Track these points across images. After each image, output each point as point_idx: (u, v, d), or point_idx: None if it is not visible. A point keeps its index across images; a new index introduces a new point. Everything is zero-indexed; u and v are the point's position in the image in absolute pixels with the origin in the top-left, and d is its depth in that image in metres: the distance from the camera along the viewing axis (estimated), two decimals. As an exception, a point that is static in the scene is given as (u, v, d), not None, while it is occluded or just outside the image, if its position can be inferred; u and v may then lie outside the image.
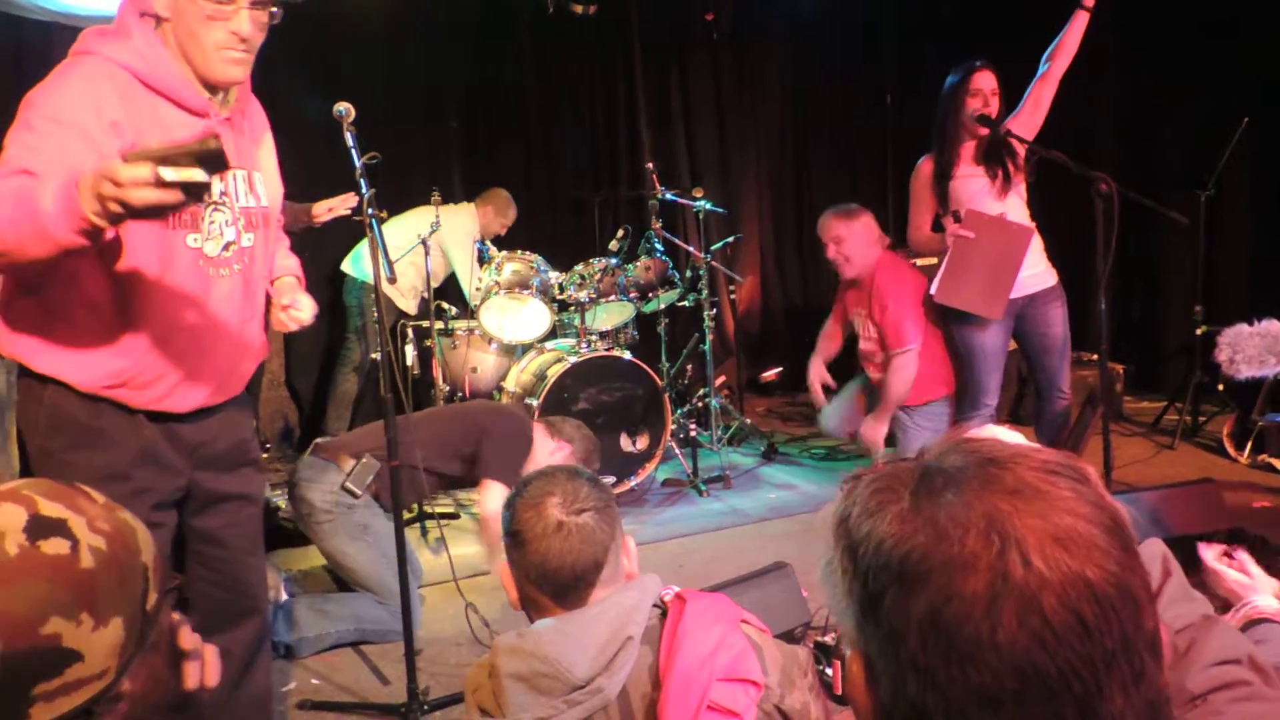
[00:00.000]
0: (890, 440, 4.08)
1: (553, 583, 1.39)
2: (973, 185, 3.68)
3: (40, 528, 0.88)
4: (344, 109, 2.65)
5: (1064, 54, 3.60)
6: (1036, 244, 3.71)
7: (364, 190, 2.62)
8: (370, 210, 2.58)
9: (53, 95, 1.72)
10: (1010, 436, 0.98)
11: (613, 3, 5.71)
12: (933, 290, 3.74)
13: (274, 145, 2.14)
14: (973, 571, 0.62)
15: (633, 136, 6.07)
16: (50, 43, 4.05)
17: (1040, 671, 0.61)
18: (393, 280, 2.62)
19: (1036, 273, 3.72)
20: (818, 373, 4.35)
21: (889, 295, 3.89)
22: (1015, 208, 3.69)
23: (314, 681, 2.90)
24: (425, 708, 2.59)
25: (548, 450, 3.49)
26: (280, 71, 5.01)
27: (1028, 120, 3.67)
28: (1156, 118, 5.57)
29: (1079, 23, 3.56)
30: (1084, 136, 4.11)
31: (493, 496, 3.18)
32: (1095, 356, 4.00)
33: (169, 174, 1.39)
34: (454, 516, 4.25)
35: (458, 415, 3.46)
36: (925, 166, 3.84)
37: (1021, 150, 3.65)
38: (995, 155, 3.64)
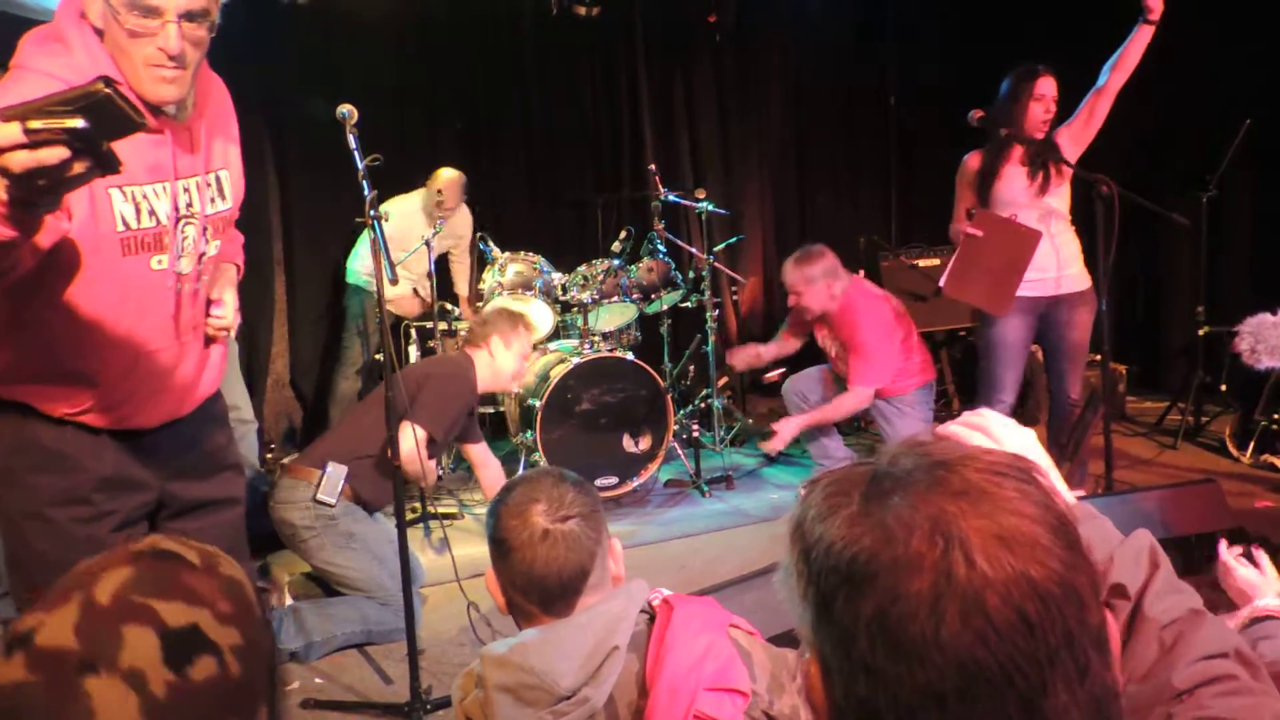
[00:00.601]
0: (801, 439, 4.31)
1: (539, 591, 1.37)
2: (1015, 185, 3.71)
3: (178, 649, 0.75)
4: (346, 111, 2.66)
5: (1124, 68, 3.59)
6: (1073, 247, 3.77)
7: (366, 192, 2.64)
8: (372, 212, 2.60)
9: None
10: (1006, 430, 0.98)
11: (616, 4, 5.72)
12: (941, 282, 3.79)
13: (237, 129, 2.04)
14: (917, 572, 0.63)
15: (635, 137, 6.08)
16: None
17: (984, 669, 0.62)
18: (394, 281, 2.63)
19: (1069, 274, 3.75)
20: (755, 354, 4.51)
21: (859, 336, 4.03)
22: (1052, 211, 3.69)
23: (318, 681, 2.92)
24: (428, 707, 2.61)
25: (490, 364, 3.44)
26: (283, 71, 5.04)
27: (1080, 132, 3.70)
28: (1158, 119, 5.56)
29: (1142, 36, 3.54)
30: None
31: (404, 437, 2.97)
32: (1098, 357, 4.00)
33: (36, 123, 1.21)
34: (456, 517, 4.26)
35: (409, 378, 3.26)
36: (970, 161, 3.87)
37: (1067, 161, 3.66)
38: (1041, 159, 3.66)
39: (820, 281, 4.03)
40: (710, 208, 4.96)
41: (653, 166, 5.07)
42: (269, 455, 4.88)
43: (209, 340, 1.98)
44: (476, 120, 5.75)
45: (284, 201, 5.21)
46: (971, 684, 0.62)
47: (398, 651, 2.95)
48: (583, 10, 5.56)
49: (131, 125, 1.29)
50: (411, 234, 4.73)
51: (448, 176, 4.91)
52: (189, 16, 1.67)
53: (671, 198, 4.89)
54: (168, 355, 1.86)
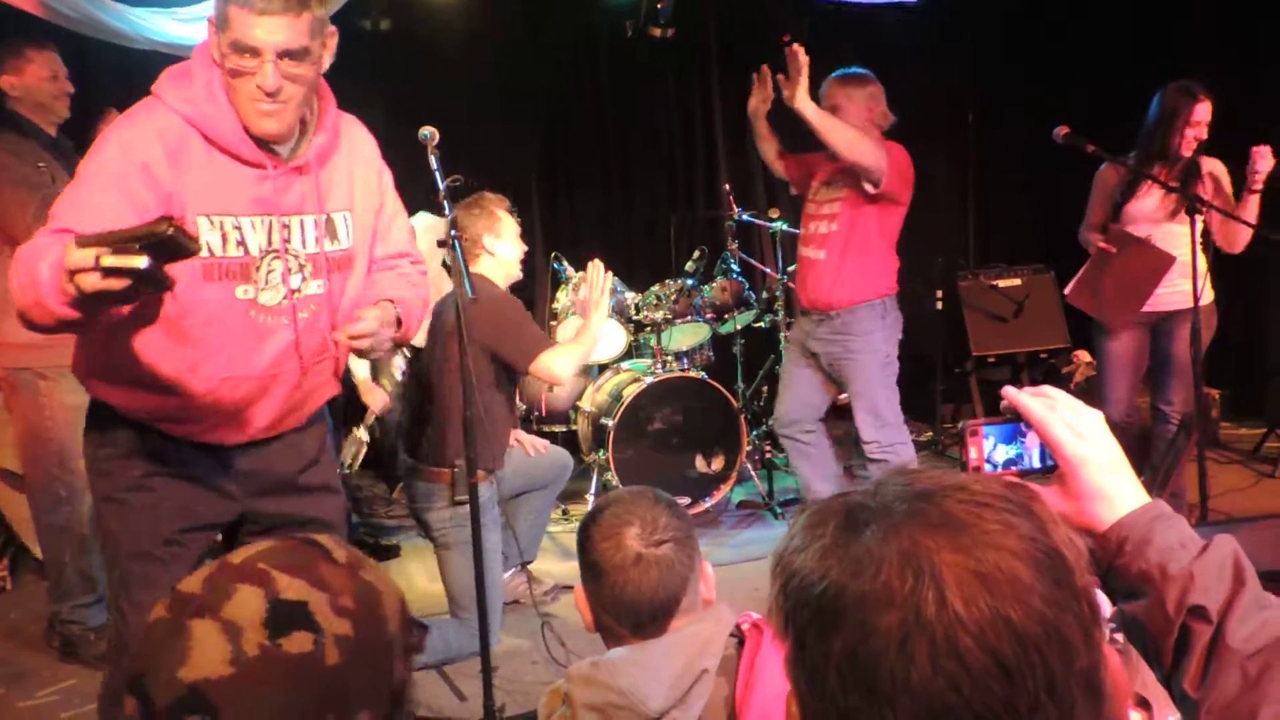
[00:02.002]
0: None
1: (631, 616, 1.36)
2: (1147, 204, 3.68)
3: (282, 619, 0.78)
4: (428, 133, 2.71)
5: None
6: (1202, 262, 3.66)
7: (447, 212, 2.68)
8: (453, 232, 2.63)
9: (106, 142, 1.76)
10: (1076, 409, 0.93)
11: (690, 26, 5.74)
12: (1067, 290, 3.87)
13: (385, 172, 2.13)
14: (886, 608, 0.60)
15: (709, 157, 6.07)
16: (149, 71, 4.22)
17: (956, 716, 0.58)
18: (475, 299, 2.66)
19: (1181, 290, 3.65)
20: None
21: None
22: (1179, 233, 3.58)
23: (392, 695, 2.94)
24: (501, 725, 2.61)
25: (496, 263, 3.26)
26: (366, 96, 5.16)
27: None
28: (1253, 129, 5.37)
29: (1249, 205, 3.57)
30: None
31: (553, 367, 3.03)
32: (1190, 380, 3.86)
33: (108, 260, 1.37)
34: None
35: (481, 344, 3.03)
36: (1107, 174, 3.86)
37: (1205, 188, 3.61)
38: (1182, 182, 3.60)
39: (865, 100, 3.71)
40: (784, 227, 4.92)
41: (727, 186, 5.06)
42: (345, 473, 4.97)
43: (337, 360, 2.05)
44: (552, 140, 5.81)
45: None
46: None
47: (471, 669, 2.96)
48: (658, 32, 5.59)
49: (186, 252, 1.45)
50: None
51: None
52: (287, 55, 1.75)
53: (745, 217, 4.87)
54: (252, 383, 1.89)
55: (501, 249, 3.30)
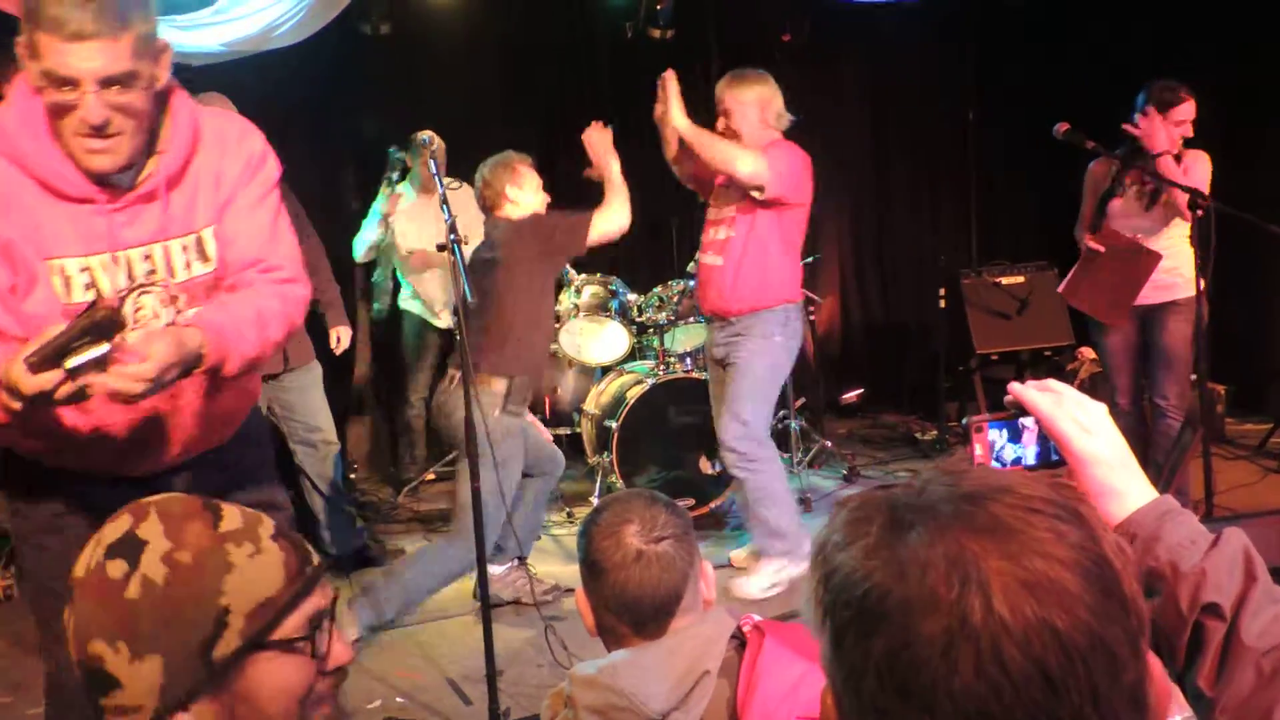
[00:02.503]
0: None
1: (632, 613, 1.36)
2: (1130, 201, 3.80)
3: (121, 546, 0.91)
4: (426, 137, 2.74)
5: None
6: (1179, 258, 3.76)
7: (447, 216, 2.69)
8: (453, 236, 2.64)
9: None
10: (1081, 403, 0.93)
11: (690, 26, 5.74)
12: (1060, 288, 4.01)
13: (262, 169, 1.85)
14: (931, 613, 0.59)
15: (710, 158, 6.07)
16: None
17: None
18: (475, 304, 2.67)
19: (1167, 282, 3.78)
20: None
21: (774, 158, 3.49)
22: (1159, 228, 3.76)
23: (398, 700, 2.94)
24: (507, 729, 2.61)
25: (520, 212, 3.39)
26: (366, 99, 5.17)
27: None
28: (1259, 127, 5.35)
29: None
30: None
31: (610, 222, 3.39)
32: (1194, 376, 3.85)
33: (75, 362, 1.36)
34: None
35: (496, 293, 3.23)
36: (1095, 168, 3.96)
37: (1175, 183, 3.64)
38: (1156, 178, 3.68)
39: (755, 103, 3.57)
40: (786, 227, 4.91)
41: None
42: (352, 475, 4.98)
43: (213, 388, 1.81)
44: (552, 141, 5.81)
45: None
46: None
47: (476, 673, 2.96)
48: (657, 33, 5.59)
49: (120, 327, 1.45)
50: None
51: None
52: (110, 82, 1.54)
53: (747, 218, 4.86)
54: (138, 421, 1.75)
55: (524, 198, 3.43)
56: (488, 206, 3.47)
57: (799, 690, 1.27)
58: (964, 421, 1.06)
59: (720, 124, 3.63)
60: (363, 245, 4.73)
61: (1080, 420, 0.92)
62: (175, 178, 1.72)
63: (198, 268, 1.77)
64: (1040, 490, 0.64)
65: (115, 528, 0.93)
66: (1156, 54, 5.22)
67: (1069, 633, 0.58)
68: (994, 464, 1.01)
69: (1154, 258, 3.71)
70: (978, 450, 1.02)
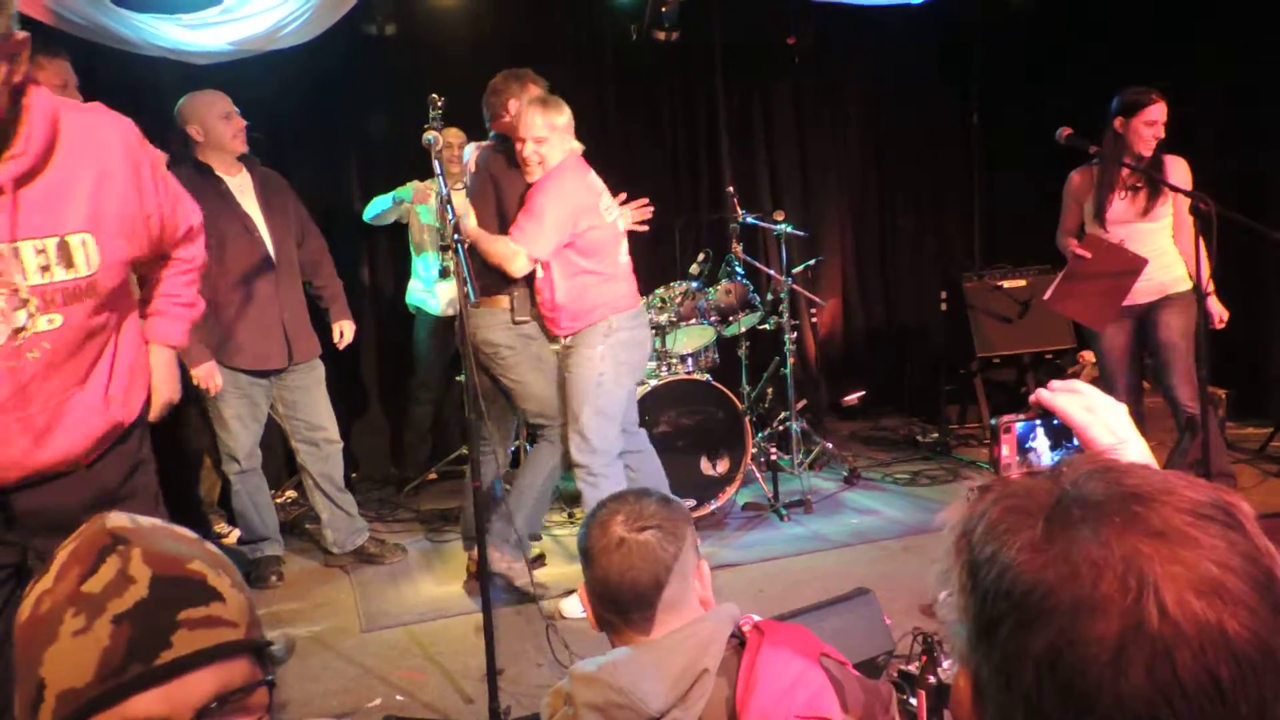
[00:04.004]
0: None
1: (613, 600, 1.39)
2: (1118, 205, 3.91)
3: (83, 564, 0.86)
4: (432, 138, 2.74)
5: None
6: (1169, 256, 3.94)
7: (451, 216, 2.70)
8: (456, 237, 2.65)
9: None
10: (1106, 405, 0.93)
11: (694, 28, 5.75)
12: (1045, 296, 4.06)
13: (146, 164, 1.83)
14: (1102, 616, 0.58)
15: (713, 160, 6.08)
16: (159, 78, 4.25)
17: None
18: (477, 304, 2.68)
19: (1160, 280, 3.92)
20: None
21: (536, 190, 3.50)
22: (1151, 230, 3.90)
23: (399, 698, 2.96)
24: (507, 727, 2.62)
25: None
26: (372, 100, 5.18)
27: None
28: (1259, 132, 5.36)
29: None
30: (1183, 150, 4.01)
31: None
32: (1197, 375, 3.88)
33: None
34: (534, 539, 4.28)
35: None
36: (1074, 179, 4.07)
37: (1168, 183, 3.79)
38: (1145, 181, 3.84)
39: (564, 128, 3.54)
40: (789, 229, 4.93)
41: (731, 188, 5.06)
42: (354, 475, 4.99)
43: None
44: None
45: (372, 229, 5.33)
46: None
47: (477, 671, 2.97)
48: (662, 35, 5.60)
49: None
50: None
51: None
52: None
53: (750, 219, 4.88)
54: None
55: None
56: (490, 115, 3.62)
57: (796, 689, 1.28)
58: (993, 422, 1.06)
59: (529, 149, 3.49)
60: (375, 209, 4.82)
61: (1111, 426, 0.92)
62: (26, 176, 1.65)
63: (58, 273, 1.69)
64: (1207, 495, 0.63)
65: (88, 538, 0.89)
66: (1159, 56, 5.23)
67: (1242, 643, 0.57)
68: (1024, 462, 1.01)
69: (1139, 261, 3.79)
70: (1004, 450, 1.02)
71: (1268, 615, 0.59)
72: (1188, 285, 3.90)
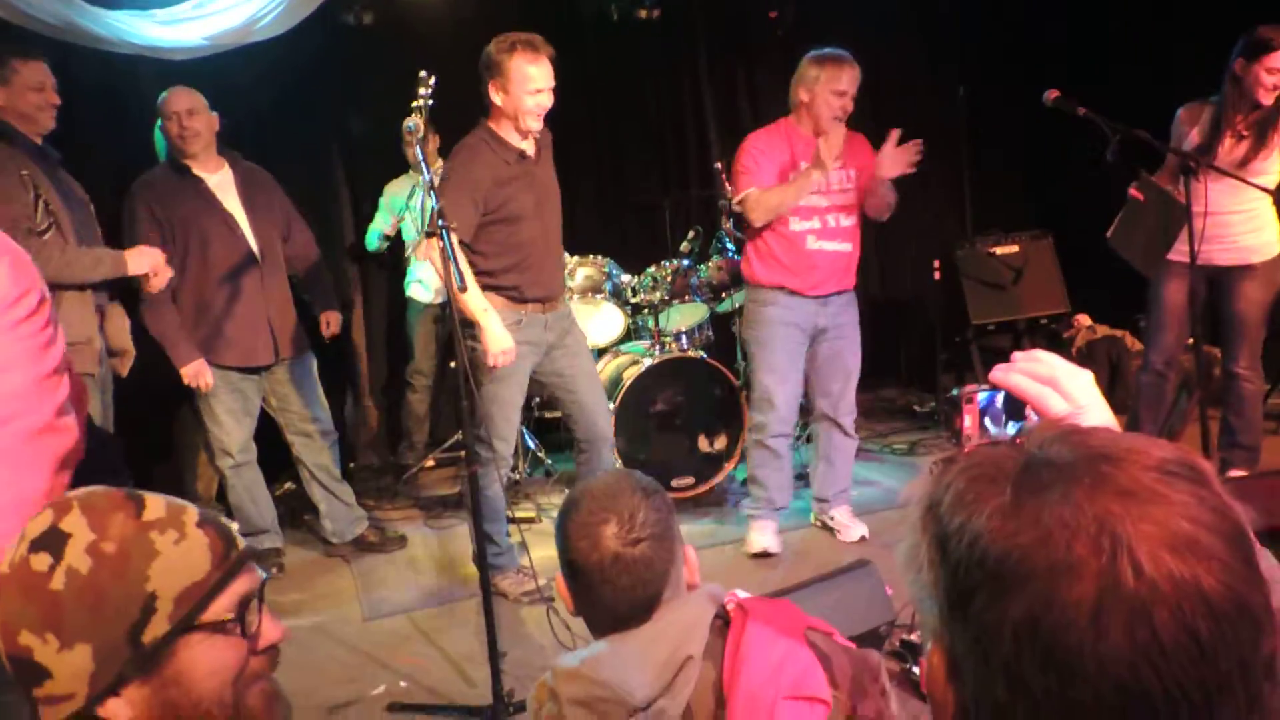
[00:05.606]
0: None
1: (610, 614, 1.34)
2: (1222, 151, 3.65)
3: (44, 540, 0.92)
4: (413, 124, 2.72)
5: None
6: (1260, 220, 3.67)
7: (435, 203, 2.68)
8: (441, 223, 2.63)
9: None
10: (1072, 374, 0.92)
11: (676, 4, 5.71)
12: (1108, 233, 3.79)
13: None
14: (1078, 578, 0.57)
15: (700, 137, 6.05)
16: (137, 76, 4.21)
17: (1145, 691, 0.56)
18: (464, 289, 2.67)
19: (1241, 245, 3.69)
20: None
21: None
22: (1247, 182, 3.57)
23: (402, 684, 2.96)
24: (510, 710, 2.63)
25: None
26: (354, 91, 5.14)
27: None
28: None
29: None
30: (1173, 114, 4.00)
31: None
32: (1191, 340, 3.85)
33: None
34: (534, 520, 4.29)
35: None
36: (1181, 115, 3.82)
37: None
38: (1260, 127, 3.59)
39: None
40: (778, 203, 4.90)
41: (719, 165, 5.03)
42: (351, 464, 4.99)
43: None
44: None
45: (357, 219, 5.31)
46: (1129, 706, 0.57)
47: (480, 655, 2.98)
48: (643, 13, 5.56)
49: None
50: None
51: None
52: None
53: (738, 195, 4.85)
54: None
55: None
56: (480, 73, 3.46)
57: (783, 669, 1.26)
58: (955, 392, 1.05)
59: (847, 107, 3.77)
60: (375, 236, 4.89)
61: (1071, 394, 0.91)
62: None
63: None
64: (1171, 453, 0.62)
65: (38, 523, 0.94)
66: (1153, 18, 5.19)
67: (1218, 600, 0.57)
68: (985, 433, 1.01)
69: (1181, 209, 3.54)
70: (967, 421, 1.01)
71: (1241, 569, 0.58)
72: (1276, 251, 3.69)
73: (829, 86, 3.65)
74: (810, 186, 3.58)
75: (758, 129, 3.93)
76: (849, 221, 3.79)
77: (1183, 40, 4.98)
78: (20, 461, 1.49)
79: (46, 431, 1.52)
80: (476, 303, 3.15)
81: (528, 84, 3.28)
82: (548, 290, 3.45)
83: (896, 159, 3.62)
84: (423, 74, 2.89)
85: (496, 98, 3.34)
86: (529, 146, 3.40)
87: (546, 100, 3.33)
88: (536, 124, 3.35)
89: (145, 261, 3.29)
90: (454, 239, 2.66)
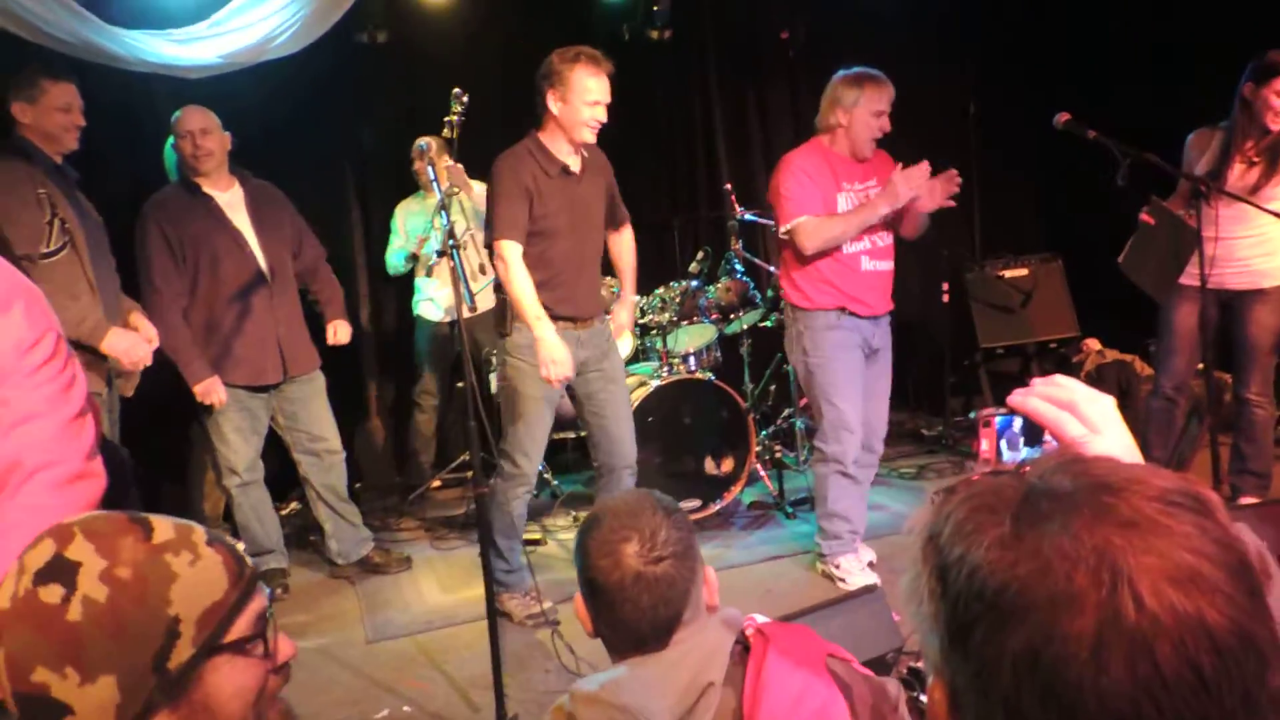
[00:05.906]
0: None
1: (632, 635, 1.33)
2: (1232, 176, 3.64)
3: (51, 571, 0.88)
4: (425, 144, 2.74)
5: None
6: (1271, 245, 3.64)
7: (445, 220, 2.69)
8: (451, 241, 2.64)
9: None
10: (1091, 400, 0.91)
11: (687, 25, 5.73)
12: (1120, 259, 3.77)
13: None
14: (1078, 611, 0.56)
15: (710, 158, 6.06)
16: (152, 94, 4.24)
17: None
18: (473, 309, 2.67)
19: (1251, 270, 3.67)
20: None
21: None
22: (1260, 208, 3.55)
23: (405, 709, 2.94)
24: (514, 735, 2.60)
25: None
26: (365, 108, 5.17)
27: None
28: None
29: None
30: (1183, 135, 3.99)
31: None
32: (1201, 365, 3.83)
33: None
34: (539, 543, 4.27)
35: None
36: (1191, 140, 3.83)
37: None
38: (1271, 153, 3.57)
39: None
40: (787, 225, 4.90)
41: (728, 186, 5.04)
42: (357, 485, 4.98)
43: None
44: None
45: (368, 238, 5.32)
46: None
47: (483, 679, 2.95)
48: (655, 34, 5.59)
49: None
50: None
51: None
52: None
53: (748, 216, 4.86)
54: None
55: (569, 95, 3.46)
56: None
57: (804, 699, 1.25)
58: (972, 415, 1.03)
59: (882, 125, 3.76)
60: (401, 257, 4.87)
61: (1090, 419, 0.90)
62: None
63: None
64: (1174, 483, 0.61)
65: (38, 554, 0.90)
66: (1158, 45, 5.20)
67: (1222, 633, 0.56)
68: (1003, 457, 1.00)
69: (1192, 233, 3.54)
70: (984, 445, 1.00)
71: (1245, 601, 0.57)
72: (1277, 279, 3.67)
73: (869, 108, 3.65)
74: (874, 220, 3.57)
75: (793, 149, 3.90)
76: (889, 240, 3.77)
77: (1199, 62, 4.99)
78: (51, 515, 1.45)
79: (78, 479, 1.49)
80: (531, 310, 3.16)
81: (587, 95, 3.29)
82: (578, 310, 3.42)
83: (934, 193, 3.62)
84: (456, 90, 2.91)
85: (554, 106, 3.33)
86: (575, 162, 3.40)
87: (602, 114, 3.35)
88: (590, 136, 3.36)
89: (120, 345, 3.15)
90: (463, 258, 2.67)
